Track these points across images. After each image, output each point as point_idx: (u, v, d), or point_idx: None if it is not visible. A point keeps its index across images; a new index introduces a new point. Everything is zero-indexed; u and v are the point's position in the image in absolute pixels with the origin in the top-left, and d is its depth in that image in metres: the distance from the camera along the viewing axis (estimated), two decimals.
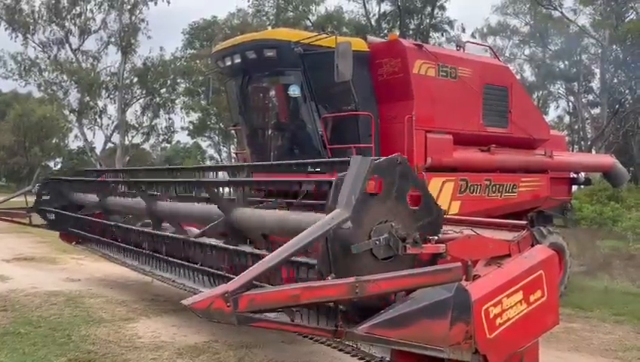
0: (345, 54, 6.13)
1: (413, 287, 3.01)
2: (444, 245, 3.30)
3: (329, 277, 2.86)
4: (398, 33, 34.76)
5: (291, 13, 37.13)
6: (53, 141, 48.73)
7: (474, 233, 3.72)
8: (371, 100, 7.12)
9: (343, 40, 6.49)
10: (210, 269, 4.45)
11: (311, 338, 3.97)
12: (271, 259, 2.68)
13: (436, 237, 3.32)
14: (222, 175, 6.23)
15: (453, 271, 3.10)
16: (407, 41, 7.89)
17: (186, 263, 4.84)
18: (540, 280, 3.64)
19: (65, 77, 31.91)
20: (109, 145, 35.51)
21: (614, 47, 35.69)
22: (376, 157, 3.12)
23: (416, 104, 6.96)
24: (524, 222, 4.08)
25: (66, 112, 34.25)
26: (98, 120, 33.64)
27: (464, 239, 3.54)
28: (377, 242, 3.03)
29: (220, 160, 43.31)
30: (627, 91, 38.36)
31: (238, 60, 7.17)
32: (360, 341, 2.93)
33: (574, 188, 12.51)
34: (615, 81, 37.73)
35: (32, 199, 8.43)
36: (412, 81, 6.99)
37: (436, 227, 3.37)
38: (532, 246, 3.89)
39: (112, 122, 33.94)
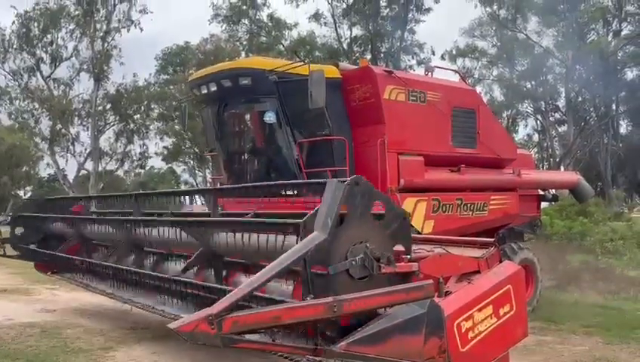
0: (318, 82, 6.35)
1: (389, 305, 3.16)
2: (416, 263, 3.46)
3: (308, 298, 3.00)
4: (369, 57, 35.53)
5: (264, 39, 37.59)
6: (24, 169, 47.73)
7: (444, 251, 3.89)
8: (345, 125, 7.34)
9: (316, 68, 6.71)
10: (189, 290, 4.50)
11: (291, 359, 4.05)
12: (252, 282, 2.80)
13: (409, 256, 3.49)
14: (198, 198, 6.29)
15: (425, 288, 3.26)
16: (378, 67, 8.18)
17: (165, 287, 4.88)
18: (509, 295, 3.84)
19: (36, 105, 31.57)
20: (82, 172, 35.04)
21: (578, 66, 37.00)
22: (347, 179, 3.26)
23: (387, 128, 7.20)
24: (491, 240, 4.27)
25: (38, 140, 33.75)
26: (70, 147, 33.23)
27: (435, 257, 3.71)
28: (353, 262, 3.18)
29: (195, 184, 43.05)
30: (592, 109, 39.76)
31: (214, 88, 7.33)
32: (338, 358, 3.05)
33: (544, 204, 12.91)
34: (580, 99, 39.06)
35: (5, 229, 8.34)
36: (383, 106, 7.24)
37: (406, 229, 3.51)
38: (500, 262, 4.10)
39: (85, 149, 33.58)
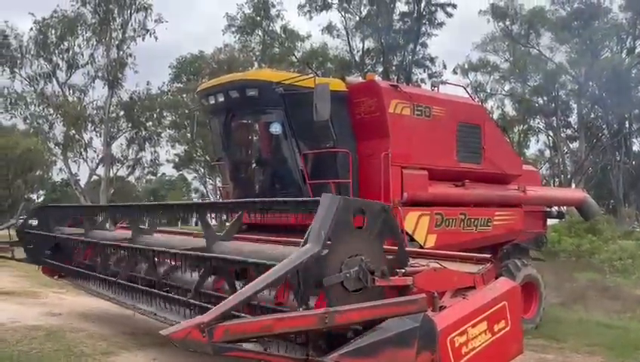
0: (323, 95, 6.42)
1: (381, 318, 3.19)
2: (411, 277, 3.49)
3: (301, 308, 3.04)
4: (381, 69, 35.65)
5: (277, 50, 37.87)
6: (37, 173, 48.34)
7: (440, 266, 3.92)
8: (349, 138, 7.41)
9: (321, 81, 6.80)
10: (190, 300, 4.57)
11: None
12: (245, 291, 2.86)
13: (404, 270, 3.52)
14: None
15: (418, 302, 3.29)
16: (384, 81, 8.26)
17: (167, 294, 4.95)
18: (504, 311, 3.85)
19: (51, 110, 31.99)
20: (94, 177, 35.37)
21: (590, 83, 36.86)
22: (344, 197, 3.33)
23: (392, 142, 7.25)
24: (488, 256, 4.28)
25: (51, 145, 34.17)
26: (83, 153, 33.57)
27: (430, 272, 3.73)
28: (348, 275, 3.22)
29: (205, 192, 43.27)
30: (604, 126, 39.53)
31: (221, 99, 7.44)
32: None
33: (554, 221, 12.84)
34: (592, 116, 38.85)
35: (15, 233, 8.46)
36: (388, 120, 7.30)
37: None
38: (496, 278, 4.11)
39: (98, 155, 33.90)
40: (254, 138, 8.25)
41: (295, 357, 3.05)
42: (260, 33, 37.95)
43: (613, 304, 10.99)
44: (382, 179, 7.09)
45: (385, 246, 3.51)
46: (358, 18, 37.78)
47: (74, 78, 32.99)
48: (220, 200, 7.59)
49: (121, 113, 33.98)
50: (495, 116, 36.91)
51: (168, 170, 48.63)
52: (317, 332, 3.04)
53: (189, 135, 33.90)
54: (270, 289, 3.16)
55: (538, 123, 41.96)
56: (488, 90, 40.82)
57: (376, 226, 3.38)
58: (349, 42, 38.14)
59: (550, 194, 11.15)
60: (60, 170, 35.85)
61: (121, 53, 32.42)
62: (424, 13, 37.34)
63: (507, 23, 37.69)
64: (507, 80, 40.87)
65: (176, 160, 39.60)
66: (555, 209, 10.40)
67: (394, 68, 37.85)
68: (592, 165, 38.33)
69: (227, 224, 5.28)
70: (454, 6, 36.76)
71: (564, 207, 11.11)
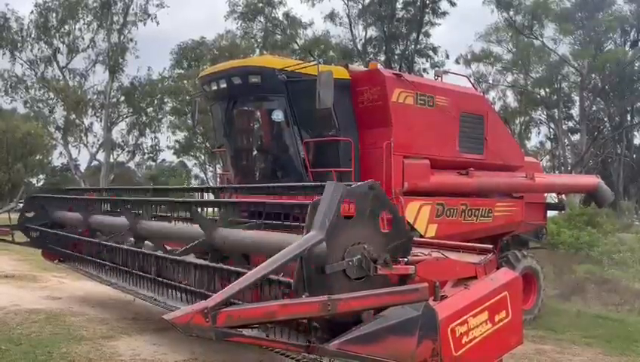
0: (326, 83, 6.38)
1: (383, 306, 3.19)
2: (413, 266, 3.49)
3: (303, 296, 3.04)
4: (383, 58, 35.47)
5: (279, 37, 37.65)
6: (37, 158, 48.22)
7: (442, 255, 3.92)
8: (352, 126, 7.37)
9: (325, 69, 6.75)
10: (191, 288, 4.57)
11: (287, 356, 4.10)
12: (248, 277, 2.85)
13: (406, 259, 3.52)
14: (207, 196, 6.37)
15: (420, 291, 3.29)
16: (387, 70, 8.17)
17: (168, 281, 4.95)
18: (505, 301, 3.86)
19: (51, 94, 31.91)
20: (94, 162, 35.37)
21: (593, 75, 36.71)
22: (349, 183, 3.33)
23: (394, 131, 7.22)
24: (490, 246, 4.29)
25: (52, 129, 34.15)
26: (83, 138, 33.54)
27: (432, 261, 3.75)
28: (350, 263, 3.22)
29: (205, 179, 43.24)
30: (606, 119, 39.44)
31: (223, 85, 7.39)
32: (331, 356, 3.10)
33: (553, 213, 12.80)
34: (594, 108, 38.75)
35: (15, 216, 8.46)
36: (391, 109, 7.25)
37: (406, 249, 3.56)
38: (497, 268, 4.12)
39: (98, 140, 33.87)
40: (256, 125, 8.21)
41: (297, 344, 3.06)
42: (261, 20, 37.70)
43: (611, 296, 11.04)
44: (383, 168, 7.07)
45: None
46: (360, 6, 37.51)
47: (74, 62, 32.94)
48: (232, 185, 7.51)
49: (122, 98, 33.91)
50: (497, 107, 36.83)
51: (168, 157, 48.53)
52: (318, 319, 3.04)
53: (189, 121, 33.79)
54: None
55: (540, 115, 41.86)
56: (490, 81, 40.72)
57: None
58: (351, 30, 37.94)
59: (561, 181, 10.95)
60: (60, 154, 35.88)
61: (122, 37, 32.28)
62: (427, 2, 37.06)
63: (511, 13, 37.41)
64: (510, 71, 40.70)
65: (177, 146, 39.49)
66: (563, 197, 10.25)
67: (396, 57, 37.66)
68: (593, 158, 38.27)
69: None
70: None
71: (570, 195, 10.92)
